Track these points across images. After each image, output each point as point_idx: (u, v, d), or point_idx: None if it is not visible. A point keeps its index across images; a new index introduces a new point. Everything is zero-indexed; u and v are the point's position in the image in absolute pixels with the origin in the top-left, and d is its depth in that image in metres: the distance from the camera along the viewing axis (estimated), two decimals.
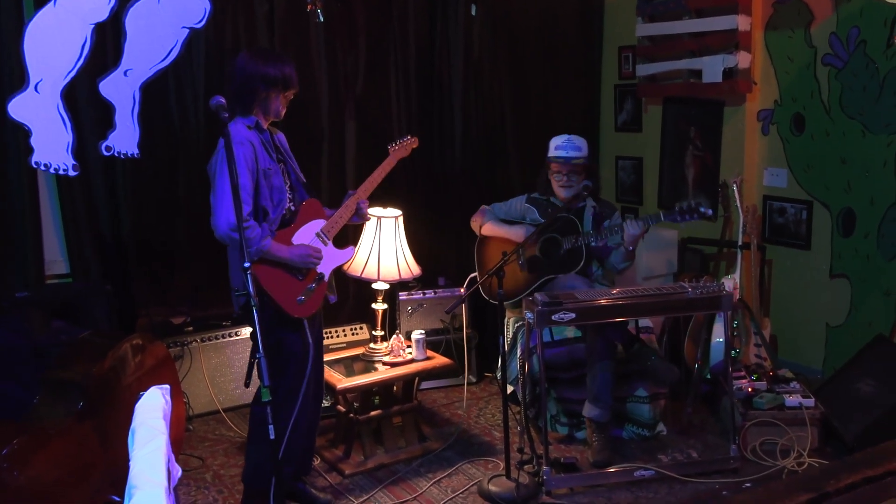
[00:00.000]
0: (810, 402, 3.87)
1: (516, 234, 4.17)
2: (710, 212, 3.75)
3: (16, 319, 3.57)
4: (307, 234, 3.30)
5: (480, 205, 4.51)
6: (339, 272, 4.26)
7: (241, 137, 3.04)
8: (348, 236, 3.97)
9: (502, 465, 3.63)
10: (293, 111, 4.61)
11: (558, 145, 4.12)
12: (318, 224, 3.34)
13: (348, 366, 3.98)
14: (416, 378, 3.98)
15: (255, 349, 2.51)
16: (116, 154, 3.97)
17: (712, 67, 4.63)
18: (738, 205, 4.42)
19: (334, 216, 3.40)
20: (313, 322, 3.32)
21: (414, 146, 3.79)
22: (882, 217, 4.16)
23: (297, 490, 3.47)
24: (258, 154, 3.10)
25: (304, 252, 3.21)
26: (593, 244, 4.07)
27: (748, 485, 3.53)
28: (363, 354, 4.04)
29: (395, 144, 3.74)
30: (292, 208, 3.27)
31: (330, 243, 3.37)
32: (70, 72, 3.38)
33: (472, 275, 4.43)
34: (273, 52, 3.22)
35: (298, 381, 3.25)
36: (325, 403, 4.36)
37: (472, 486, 3.63)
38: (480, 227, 4.32)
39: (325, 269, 3.33)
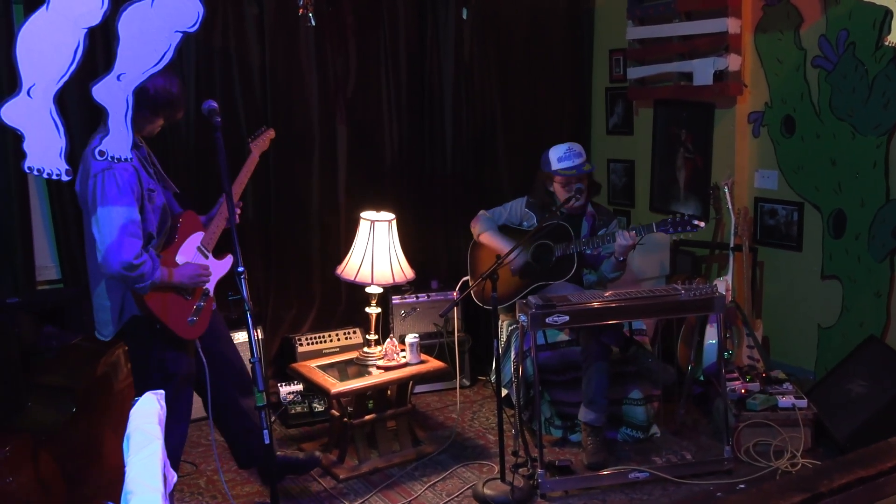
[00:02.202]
0: (803, 402, 3.88)
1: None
2: (702, 224, 3.81)
3: (6, 325, 3.55)
4: (189, 249, 3.13)
5: (471, 208, 4.51)
6: (331, 276, 4.28)
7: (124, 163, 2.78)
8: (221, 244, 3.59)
9: (497, 468, 3.63)
10: (283, 115, 4.64)
11: (561, 157, 4.05)
12: (197, 237, 3.16)
13: (342, 370, 3.97)
14: (410, 382, 3.98)
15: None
16: (110, 159, 3.95)
17: (703, 70, 4.65)
18: (730, 207, 4.44)
19: (211, 227, 3.23)
20: (202, 339, 3.15)
21: (271, 136, 3.59)
22: (872, 218, 4.18)
23: (284, 463, 3.48)
24: (140, 176, 2.90)
25: (193, 272, 3.04)
26: (588, 253, 4.08)
27: (742, 486, 3.54)
28: (357, 358, 4.04)
29: (253, 138, 3.53)
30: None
31: (210, 255, 3.22)
32: (63, 76, 3.35)
33: (465, 278, 4.44)
34: (168, 72, 2.96)
35: (182, 396, 3.11)
36: (319, 408, 4.37)
37: (467, 489, 3.62)
38: (478, 235, 4.31)
39: (211, 283, 3.17)
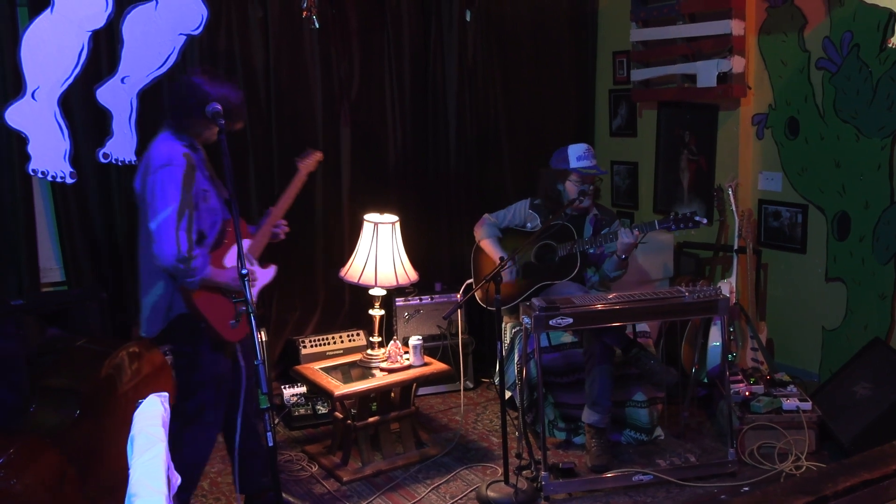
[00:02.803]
0: (807, 405, 3.87)
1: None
2: (704, 221, 3.80)
3: (11, 327, 3.55)
4: (236, 255, 3.21)
5: (475, 210, 4.52)
6: (335, 279, 4.28)
7: (178, 157, 2.91)
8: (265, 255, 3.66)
9: (500, 470, 3.63)
10: (287, 118, 4.65)
11: (581, 155, 4.06)
12: (244, 244, 3.16)
13: (345, 372, 3.97)
14: (414, 384, 3.98)
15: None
16: (114, 161, 3.96)
17: (706, 72, 4.65)
18: (734, 209, 4.43)
19: (257, 237, 3.29)
20: (243, 345, 3.17)
21: (319, 159, 3.66)
22: (877, 220, 4.17)
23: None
24: (196, 174, 2.98)
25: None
26: (591, 252, 4.08)
27: (746, 489, 3.52)
28: (360, 361, 4.04)
29: (301, 158, 3.60)
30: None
31: (255, 263, 3.27)
32: (67, 79, 3.37)
33: (469, 281, 4.44)
34: (227, 80, 3.09)
35: (221, 400, 3.13)
36: (323, 410, 4.37)
37: (471, 492, 3.62)
38: (479, 240, 4.31)
39: (254, 290, 3.19)
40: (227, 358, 3.13)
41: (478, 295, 4.21)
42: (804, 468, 3.68)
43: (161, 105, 4.23)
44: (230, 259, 3.12)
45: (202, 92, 2.95)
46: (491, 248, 4.21)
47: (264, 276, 3.34)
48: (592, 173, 4.06)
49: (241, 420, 3.17)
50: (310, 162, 3.59)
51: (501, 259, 3.59)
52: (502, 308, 3.88)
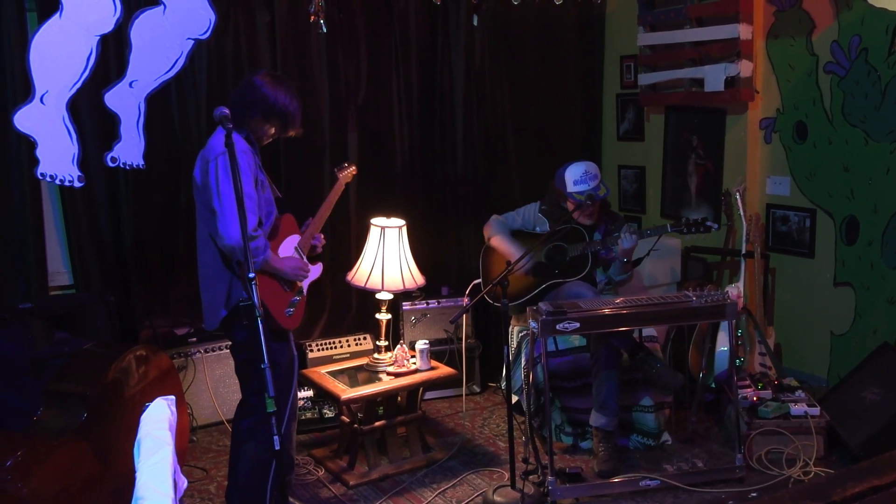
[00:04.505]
0: (815, 410, 3.86)
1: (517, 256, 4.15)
2: (715, 226, 3.86)
3: (18, 330, 3.57)
4: (288, 248, 3.31)
5: (482, 214, 4.51)
6: (342, 283, 4.28)
7: (243, 146, 3.04)
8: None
9: (507, 475, 3.62)
10: None
11: (577, 180, 4.00)
12: (294, 239, 3.35)
13: (352, 376, 3.97)
14: (421, 388, 3.98)
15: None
16: (122, 165, 3.98)
17: (714, 76, 4.64)
18: (742, 213, 4.42)
19: (305, 234, 3.42)
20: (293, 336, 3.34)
21: (353, 173, 3.79)
22: (886, 225, 4.16)
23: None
24: (255, 165, 3.10)
25: (295, 264, 3.23)
26: (602, 254, 4.08)
27: (754, 494, 3.49)
28: (367, 364, 4.04)
29: (339, 169, 3.75)
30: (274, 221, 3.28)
31: (305, 258, 3.37)
32: (76, 83, 3.38)
33: (476, 281, 4.42)
34: (289, 86, 3.21)
35: (286, 392, 3.24)
36: (329, 414, 4.37)
37: (477, 496, 3.62)
38: (489, 238, 4.31)
39: (305, 283, 3.35)
40: (290, 348, 3.23)
41: (486, 294, 4.20)
42: (812, 474, 3.66)
43: (169, 109, 4.25)
44: (283, 251, 3.24)
45: (261, 93, 3.08)
46: (503, 245, 4.17)
47: (314, 272, 3.44)
48: (581, 200, 3.99)
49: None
50: (346, 174, 3.74)
51: (507, 264, 3.58)
52: (510, 306, 3.87)
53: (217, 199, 2.97)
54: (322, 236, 3.54)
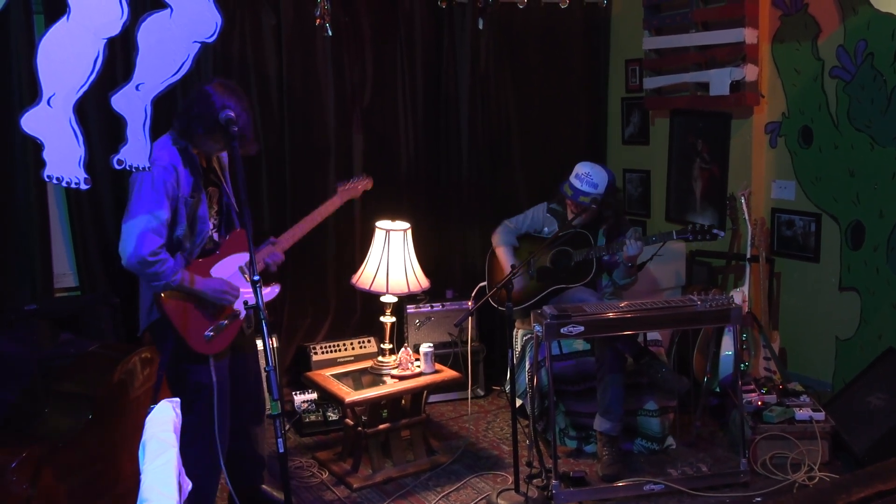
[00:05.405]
0: (820, 415, 3.85)
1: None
2: (722, 234, 3.84)
3: (24, 332, 3.58)
4: (228, 267, 3.12)
5: (487, 217, 4.52)
6: (346, 286, 4.29)
7: (164, 161, 2.91)
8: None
9: (511, 478, 3.62)
10: (300, 125, 4.67)
11: (579, 175, 4.02)
12: (242, 258, 3.14)
13: (356, 379, 3.98)
14: (425, 391, 3.98)
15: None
16: (128, 167, 3.98)
17: (719, 80, 4.64)
18: (747, 217, 4.41)
19: (261, 252, 3.23)
20: (221, 357, 3.10)
21: (366, 188, 3.66)
22: (891, 229, 4.15)
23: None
24: (181, 181, 2.95)
25: (218, 287, 3.03)
26: (606, 259, 4.07)
27: (758, 499, 3.51)
28: (371, 367, 4.04)
29: (343, 182, 3.61)
30: (215, 238, 3.13)
31: (250, 278, 3.09)
32: (82, 86, 3.38)
33: (482, 284, 4.42)
34: (243, 99, 3.04)
35: (207, 417, 3.02)
36: (333, 416, 4.37)
37: (481, 500, 3.61)
38: (495, 247, 4.31)
39: (259, 302, 3.03)
40: (208, 371, 3.02)
41: (492, 296, 4.19)
42: (817, 479, 3.65)
43: (175, 112, 4.26)
44: (220, 270, 3.08)
45: (207, 104, 2.96)
46: (503, 257, 4.21)
47: (268, 293, 3.29)
48: (569, 195, 4.02)
49: (237, 427, 3.20)
50: (351, 188, 3.58)
51: (513, 267, 3.58)
52: (515, 311, 3.88)
53: (126, 214, 2.89)
54: (282, 255, 3.32)
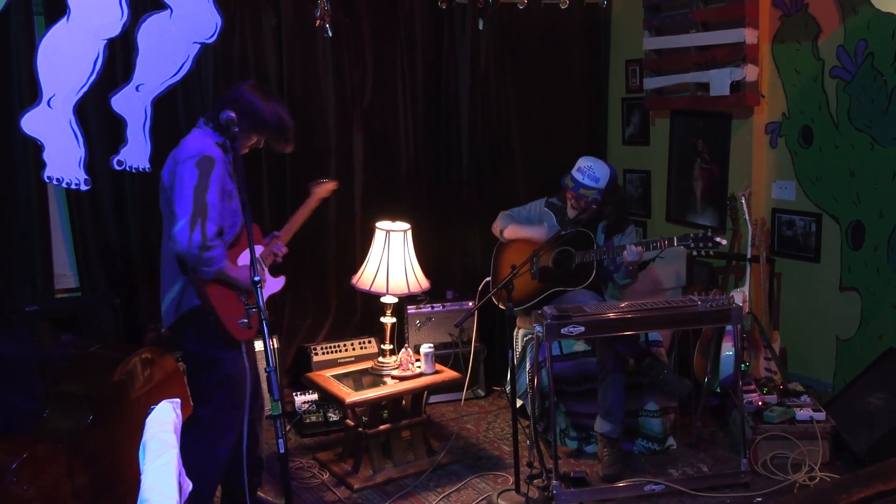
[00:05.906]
0: (821, 415, 3.84)
1: (539, 234, 4.13)
2: (724, 242, 3.75)
3: (25, 332, 3.58)
4: (248, 258, 3.13)
5: (487, 218, 4.51)
6: (347, 286, 4.29)
7: (212, 152, 2.99)
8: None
9: (511, 479, 3.61)
10: (300, 125, 4.65)
11: (581, 168, 4.03)
12: (257, 249, 3.24)
13: (357, 379, 3.98)
14: (425, 392, 3.98)
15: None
16: (128, 168, 4.00)
17: (720, 80, 4.64)
18: (747, 218, 4.41)
19: (268, 246, 3.34)
20: (248, 347, 3.21)
21: (332, 188, 3.71)
22: (892, 229, 4.14)
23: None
24: (224, 173, 3.04)
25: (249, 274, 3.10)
26: (608, 267, 4.06)
27: (759, 499, 3.51)
28: (372, 368, 4.04)
29: (316, 184, 3.65)
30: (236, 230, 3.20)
31: (266, 270, 3.31)
32: (82, 87, 3.41)
33: (487, 279, 4.40)
34: (283, 104, 3.21)
35: (237, 403, 3.08)
36: (334, 417, 4.37)
37: (482, 500, 3.61)
38: (501, 232, 4.30)
39: (265, 294, 3.16)
40: (240, 358, 3.12)
41: (494, 294, 4.19)
42: (818, 479, 3.65)
43: (175, 112, 4.26)
44: (243, 260, 3.15)
45: (254, 107, 3.05)
46: (520, 231, 4.19)
47: (273, 285, 3.36)
48: (569, 186, 4.02)
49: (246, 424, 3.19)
50: (322, 190, 3.64)
51: (512, 267, 3.57)
52: (516, 311, 3.87)
53: (178, 202, 2.92)
54: (285, 248, 3.42)
